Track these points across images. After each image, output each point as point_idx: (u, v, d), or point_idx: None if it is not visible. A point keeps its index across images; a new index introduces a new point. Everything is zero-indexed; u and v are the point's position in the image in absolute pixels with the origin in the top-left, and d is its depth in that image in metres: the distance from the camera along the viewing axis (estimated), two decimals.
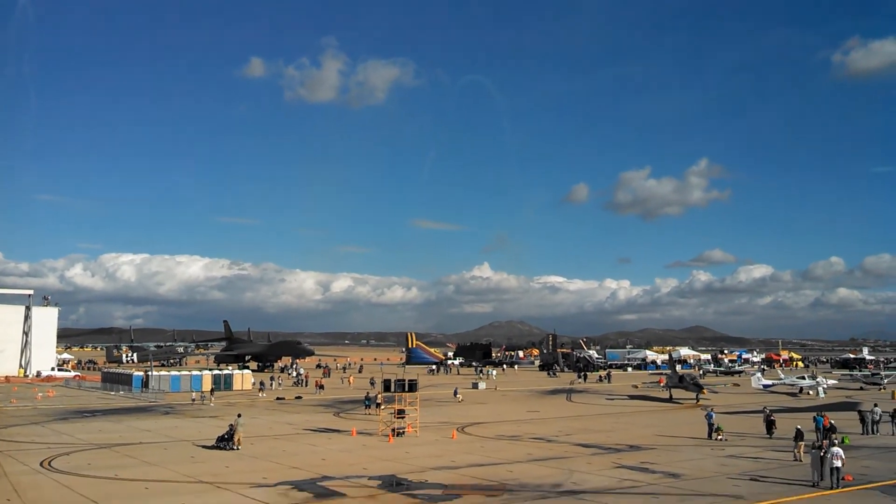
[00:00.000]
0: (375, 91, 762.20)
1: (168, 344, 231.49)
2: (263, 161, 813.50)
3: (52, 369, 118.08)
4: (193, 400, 73.02)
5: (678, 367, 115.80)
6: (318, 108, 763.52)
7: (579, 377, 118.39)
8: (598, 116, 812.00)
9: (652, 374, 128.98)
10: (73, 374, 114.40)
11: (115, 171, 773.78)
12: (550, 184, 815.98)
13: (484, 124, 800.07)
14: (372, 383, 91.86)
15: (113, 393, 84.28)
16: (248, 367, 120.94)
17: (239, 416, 46.20)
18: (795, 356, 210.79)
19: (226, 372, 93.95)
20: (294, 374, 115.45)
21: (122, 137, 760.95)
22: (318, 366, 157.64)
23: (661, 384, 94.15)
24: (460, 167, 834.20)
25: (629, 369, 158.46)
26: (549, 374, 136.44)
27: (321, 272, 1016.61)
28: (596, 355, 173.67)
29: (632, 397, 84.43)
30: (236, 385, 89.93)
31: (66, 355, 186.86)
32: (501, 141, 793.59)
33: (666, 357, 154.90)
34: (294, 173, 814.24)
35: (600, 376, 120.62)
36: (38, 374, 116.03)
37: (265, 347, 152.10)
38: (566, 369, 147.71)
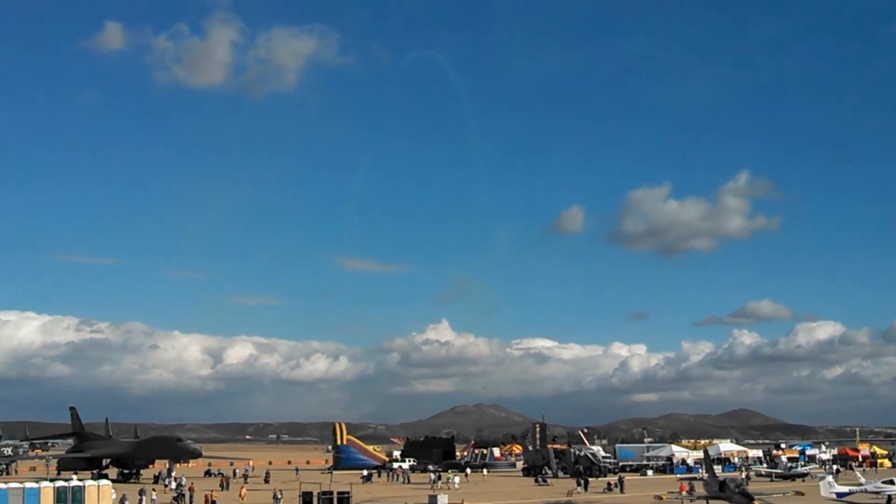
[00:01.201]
0: (284, 72, 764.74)
1: None
2: (124, 174, 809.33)
3: None
4: None
5: (718, 469, 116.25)
6: (201, 94, 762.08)
7: (579, 485, 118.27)
8: (596, 111, 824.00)
9: (682, 478, 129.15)
10: None
11: None
12: (532, 207, 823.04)
13: (439, 122, 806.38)
14: (276, 499, 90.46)
15: None
16: (106, 476, 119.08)
17: None
18: (880, 451, 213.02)
19: (75, 483, 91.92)
20: (173, 484, 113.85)
21: None
22: (209, 472, 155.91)
23: (683, 492, 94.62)
24: (406, 184, 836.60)
25: (649, 472, 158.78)
26: (536, 480, 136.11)
27: (209, 334, 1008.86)
28: (602, 453, 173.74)
29: None
30: (90, 502, 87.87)
31: None
32: (463, 146, 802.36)
33: (700, 454, 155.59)
34: (168, 191, 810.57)
35: (609, 483, 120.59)
36: None
37: (131, 447, 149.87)
38: (561, 473, 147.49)
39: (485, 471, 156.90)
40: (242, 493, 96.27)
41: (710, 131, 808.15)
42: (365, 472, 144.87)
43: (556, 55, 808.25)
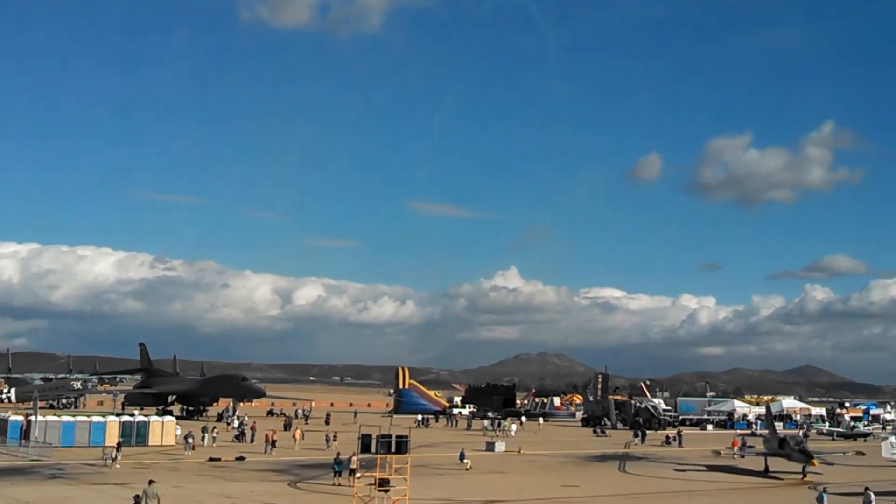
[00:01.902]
0: (368, 14, 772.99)
1: (60, 376, 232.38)
2: (205, 114, 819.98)
3: None
4: (105, 459, 72.92)
5: (779, 426, 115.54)
6: (285, 35, 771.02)
7: (636, 437, 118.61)
8: (677, 58, 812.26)
9: (753, 434, 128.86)
10: None
11: None
12: (609, 153, 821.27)
13: (519, 65, 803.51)
14: (328, 441, 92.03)
15: None
16: (171, 413, 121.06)
17: (151, 482, 46.27)
18: None
19: (140, 419, 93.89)
20: (235, 423, 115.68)
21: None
22: (271, 412, 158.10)
23: (735, 448, 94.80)
24: (482, 128, 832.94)
25: (710, 427, 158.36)
26: (595, 431, 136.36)
27: (280, 275, 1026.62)
28: (664, 406, 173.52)
29: (711, 468, 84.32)
30: (154, 438, 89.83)
31: None
32: (542, 90, 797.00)
33: (762, 410, 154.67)
34: (249, 132, 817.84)
35: (668, 437, 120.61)
36: None
37: (197, 384, 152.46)
38: (620, 425, 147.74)
39: (540, 420, 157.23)
40: (296, 435, 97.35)
41: (795, 80, 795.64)
42: (420, 417, 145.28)
43: (638, 2, 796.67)
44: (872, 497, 52.23)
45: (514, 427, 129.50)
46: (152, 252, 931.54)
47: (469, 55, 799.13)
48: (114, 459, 71.68)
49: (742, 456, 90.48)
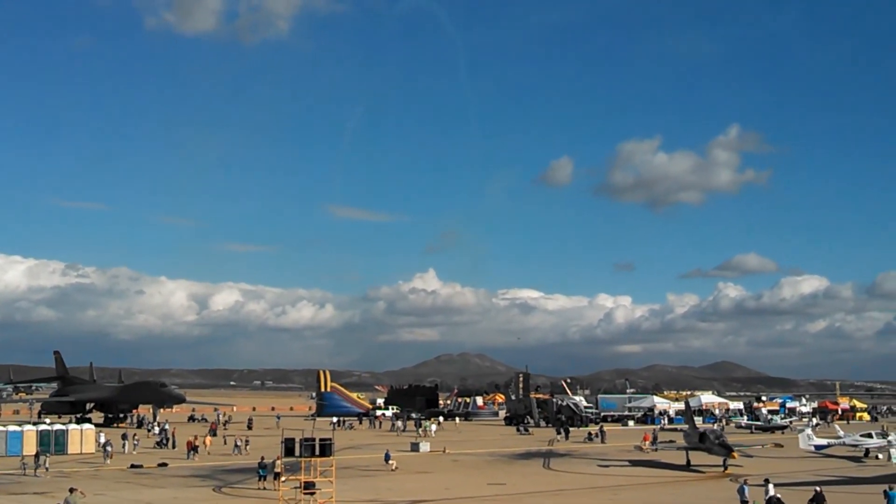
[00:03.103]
0: (275, 19, 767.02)
1: None
2: (113, 119, 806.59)
3: None
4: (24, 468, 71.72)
5: (698, 421, 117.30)
6: (192, 42, 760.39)
7: (560, 434, 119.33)
8: (587, 61, 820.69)
9: (662, 429, 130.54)
10: None
11: None
12: (521, 158, 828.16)
13: (431, 70, 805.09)
14: (237, 446, 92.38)
15: None
16: (89, 420, 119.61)
17: (72, 490, 45.63)
18: (859, 405, 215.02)
19: (58, 427, 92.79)
20: (157, 429, 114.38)
21: None
22: (192, 418, 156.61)
23: (647, 442, 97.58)
24: (396, 133, 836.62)
25: (631, 423, 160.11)
26: (518, 429, 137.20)
27: (196, 281, 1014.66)
28: (585, 403, 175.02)
29: (634, 463, 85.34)
30: (73, 446, 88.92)
31: None
32: (454, 95, 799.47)
33: (682, 406, 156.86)
34: (158, 136, 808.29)
35: (590, 433, 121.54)
36: None
37: (115, 391, 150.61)
38: (543, 423, 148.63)
39: (457, 419, 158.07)
40: (208, 442, 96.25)
41: (701, 84, 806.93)
42: (333, 420, 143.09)
43: (547, 6, 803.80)
44: (746, 490, 52.94)
45: (433, 427, 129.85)
46: (64, 259, 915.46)
47: (379, 59, 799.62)
48: (44, 468, 70.76)
49: (656, 450, 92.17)
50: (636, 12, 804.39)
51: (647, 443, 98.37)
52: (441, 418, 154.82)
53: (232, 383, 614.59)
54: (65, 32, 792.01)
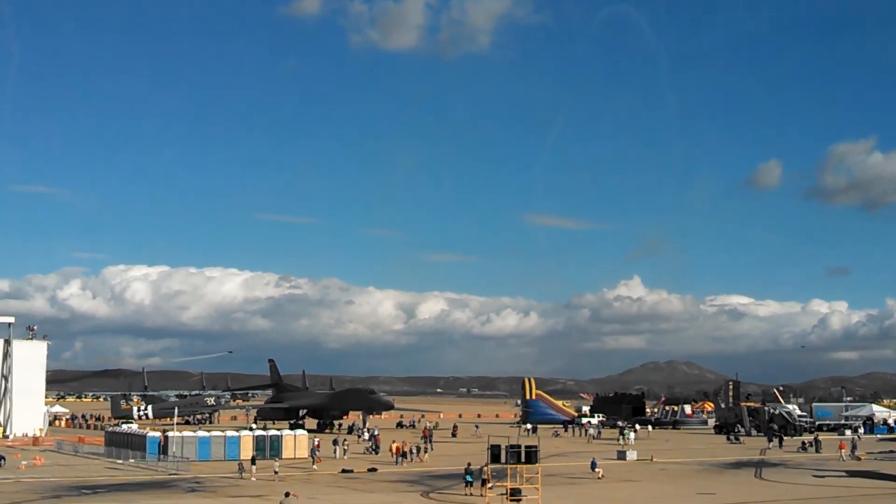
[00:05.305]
0: (476, 33, 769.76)
1: (194, 393, 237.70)
2: (322, 136, 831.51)
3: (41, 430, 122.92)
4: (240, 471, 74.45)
5: None
6: (395, 57, 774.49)
7: (772, 443, 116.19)
8: (795, 61, 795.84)
9: (882, 439, 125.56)
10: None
11: (122, 156, 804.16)
12: (727, 162, 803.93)
13: (631, 78, 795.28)
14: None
15: (120, 461, 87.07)
16: (303, 426, 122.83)
17: (287, 494, 46.98)
18: None
19: (273, 432, 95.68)
20: (366, 435, 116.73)
21: (128, 111, 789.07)
22: (400, 424, 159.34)
23: (844, 450, 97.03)
24: (596, 141, 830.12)
25: (847, 432, 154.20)
26: (728, 438, 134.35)
27: (403, 290, 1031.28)
28: (798, 412, 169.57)
29: (852, 474, 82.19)
30: (287, 451, 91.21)
31: (58, 408, 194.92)
32: (655, 101, 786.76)
33: None
34: (364, 153, 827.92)
35: (804, 442, 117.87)
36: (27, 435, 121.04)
37: (326, 398, 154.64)
38: (754, 432, 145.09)
39: (649, 427, 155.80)
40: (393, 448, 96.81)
41: None
42: (528, 426, 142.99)
43: (752, 11, 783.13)
44: None
45: (632, 435, 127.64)
46: (277, 272, 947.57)
47: (579, 67, 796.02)
48: (248, 472, 73.30)
49: (858, 459, 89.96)
50: (847, 15, 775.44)
51: (844, 450, 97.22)
52: (650, 427, 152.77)
53: (438, 390, 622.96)
54: (270, 56, 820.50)
